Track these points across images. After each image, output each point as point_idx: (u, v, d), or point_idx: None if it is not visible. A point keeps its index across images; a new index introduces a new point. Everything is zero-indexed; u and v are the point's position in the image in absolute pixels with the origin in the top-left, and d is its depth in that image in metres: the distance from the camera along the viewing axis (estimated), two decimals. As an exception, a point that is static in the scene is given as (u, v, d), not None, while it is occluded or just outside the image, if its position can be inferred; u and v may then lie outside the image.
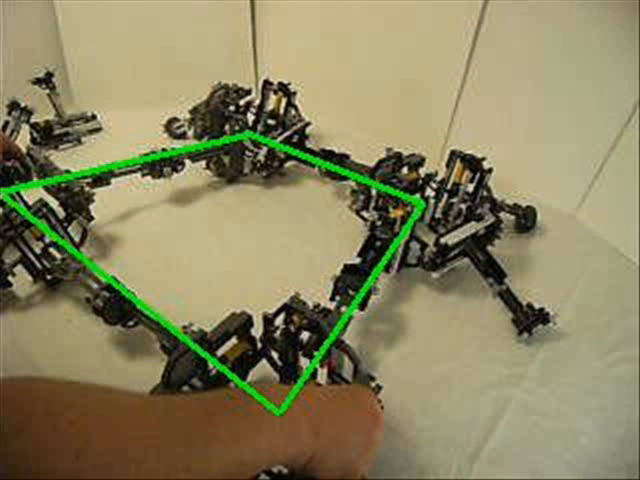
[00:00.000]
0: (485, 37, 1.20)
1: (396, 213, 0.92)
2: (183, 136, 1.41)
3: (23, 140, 1.23)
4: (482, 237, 0.97)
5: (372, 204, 0.99)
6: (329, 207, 1.22)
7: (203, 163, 1.25)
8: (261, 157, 1.24)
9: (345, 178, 1.20)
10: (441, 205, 1.06)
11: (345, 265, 0.84)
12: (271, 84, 1.29)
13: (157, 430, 0.30)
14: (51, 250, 0.89)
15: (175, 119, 1.42)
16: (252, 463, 0.34)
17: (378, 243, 0.90)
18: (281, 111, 1.28)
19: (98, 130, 1.42)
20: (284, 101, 1.28)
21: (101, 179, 1.03)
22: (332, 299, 0.81)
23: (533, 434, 0.76)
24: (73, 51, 1.46)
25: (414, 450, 0.72)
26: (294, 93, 1.27)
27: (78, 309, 0.89)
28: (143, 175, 1.10)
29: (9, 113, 1.22)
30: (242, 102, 1.33)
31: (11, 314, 0.87)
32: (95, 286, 0.82)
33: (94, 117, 1.41)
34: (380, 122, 1.43)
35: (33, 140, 1.31)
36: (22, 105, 1.22)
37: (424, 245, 0.96)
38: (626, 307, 0.97)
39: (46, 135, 1.32)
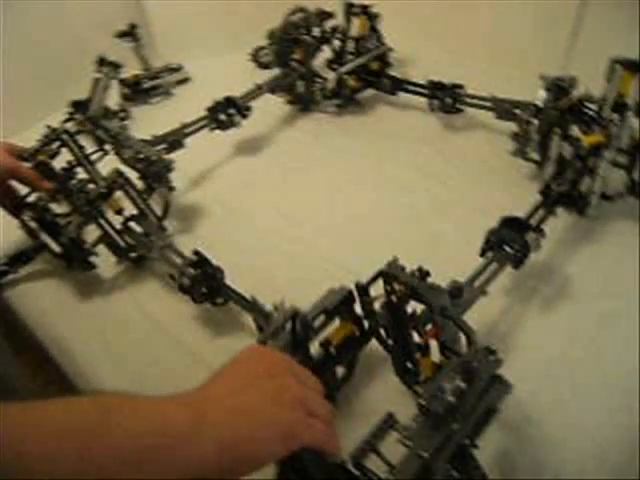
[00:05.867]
0: None
1: (590, 139, 0.74)
2: (269, 66, 1.27)
3: (113, 97, 1.19)
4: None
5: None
6: (439, 139, 1.07)
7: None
8: (329, 85, 1.12)
9: (459, 110, 1.06)
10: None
11: (504, 218, 0.71)
12: (353, 6, 1.16)
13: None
14: (131, 225, 0.82)
15: (262, 47, 1.30)
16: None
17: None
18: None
19: (186, 80, 1.33)
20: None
21: (176, 142, 0.95)
22: (482, 255, 0.69)
23: None
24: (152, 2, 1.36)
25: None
26: (376, 16, 1.14)
27: (165, 287, 0.81)
28: (211, 129, 1.02)
29: (98, 70, 1.16)
30: (328, 27, 1.20)
31: (98, 299, 0.81)
32: (180, 262, 0.74)
33: (181, 67, 1.32)
34: (490, 42, 1.22)
35: (124, 96, 1.26)
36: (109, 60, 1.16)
37: (629, 168, 0.77)
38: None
39: (135, 90, 1.26)
